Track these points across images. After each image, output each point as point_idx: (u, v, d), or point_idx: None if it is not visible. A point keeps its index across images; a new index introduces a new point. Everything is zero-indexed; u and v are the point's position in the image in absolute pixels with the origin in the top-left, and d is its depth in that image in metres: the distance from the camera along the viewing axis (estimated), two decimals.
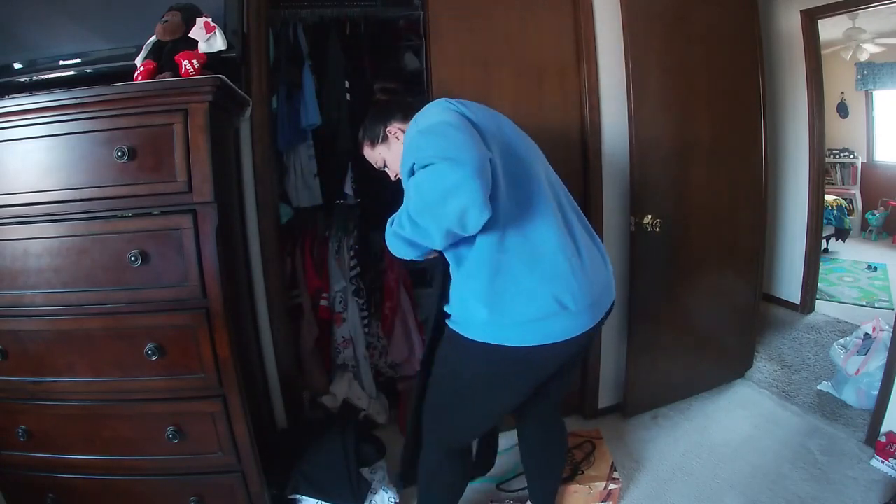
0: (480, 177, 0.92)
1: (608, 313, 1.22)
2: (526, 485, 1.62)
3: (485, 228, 1.00)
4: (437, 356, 1.27)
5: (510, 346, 1.09)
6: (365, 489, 1.66)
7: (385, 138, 1.29)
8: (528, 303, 1.08)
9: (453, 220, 0.94)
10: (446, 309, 1.20)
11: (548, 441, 1.50)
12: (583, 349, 1.25)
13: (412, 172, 1.02)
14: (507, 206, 1.07)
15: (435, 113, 1.09)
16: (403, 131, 1.25)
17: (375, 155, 1.33)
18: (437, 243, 1.02)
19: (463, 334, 1.14)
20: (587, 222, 1.25)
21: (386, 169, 1.34)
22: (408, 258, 1.13)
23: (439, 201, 0.94)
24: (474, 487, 1.78)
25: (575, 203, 1.26)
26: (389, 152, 1.30)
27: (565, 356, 1.18)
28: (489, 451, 1.59)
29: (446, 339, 1.23)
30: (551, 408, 1.46)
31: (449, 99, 1.15)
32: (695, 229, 2.09)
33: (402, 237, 1.06)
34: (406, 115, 1.26)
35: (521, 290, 1.08)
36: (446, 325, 1.21)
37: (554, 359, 1.16)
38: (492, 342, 1.10)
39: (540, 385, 1.22)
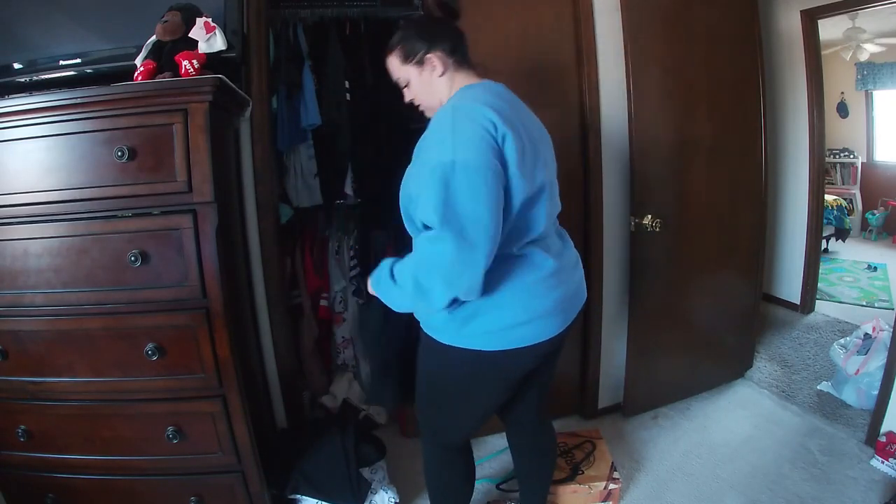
0: (488, 259, 0.98)
1: (578, 314, 1.25)
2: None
3: None
4: (418, 360, 1.28)
5: (481, 351, 1.11)
6: (365, 489, 1.66)
7: (421, 63, 1.16)
8: (501, 312, 1.10)
9: (448, 294, 1.01)
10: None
11: (535, 448, 1.50)
12: (555, 351, 1.26)
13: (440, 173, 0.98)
14: (511, 231, 1.08)
15: (470, 136, 0.99)
16: (445, 65, 1.15)
17: (401, 71, 1.19)
18: (438, 306, 1.05)
19: (436, 338, 1.16)
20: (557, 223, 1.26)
21: (405, 89, 1.22)
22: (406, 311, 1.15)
23: (436, 276, 0.99)
24: (475, 488, 1.78)
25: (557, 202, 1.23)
26: (419, 79, 1.18)
27: (536, 358, 1.18)
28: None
29: (422, 345, 1.24)
30: (535, 413, 1.45)
31: (487, 103, 1.03)
32: (695, 229, 2.09)
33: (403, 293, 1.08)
34: (454, 48, 1.16)
35: (494, 299, 1.09)
36: (421, 329, 1.22)
37: (524, 362, 1.17)
38: (464, 346, 1.12)
39: (514, 388, 1.24)
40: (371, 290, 1.20)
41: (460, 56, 1.18)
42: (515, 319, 1.10)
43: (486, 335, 1.10)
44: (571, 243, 1.28)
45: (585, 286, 1.28)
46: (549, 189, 1.15)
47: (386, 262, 1.14)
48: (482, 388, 1.22)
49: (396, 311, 1.14)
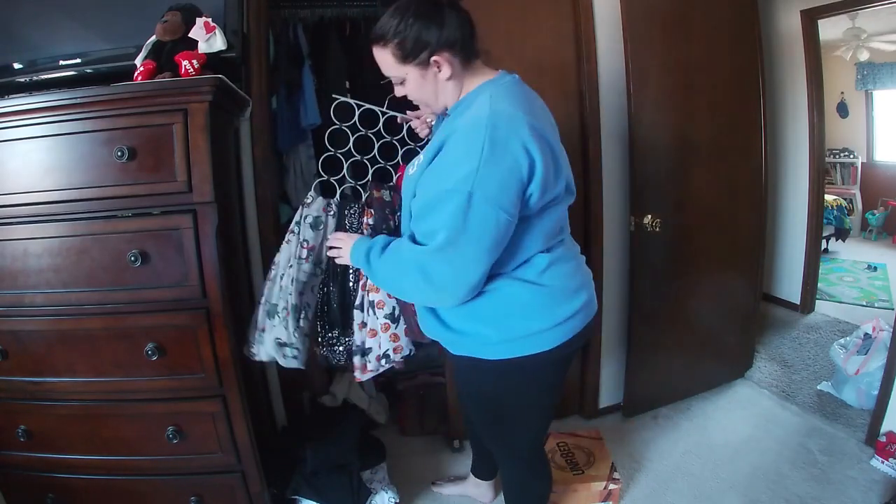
0: (470, 292, 1.00)
1: None
2: None
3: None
4: (461, 388, 1.31)
5: (544, 351, 1.09)
6: (365, 496, 1.65)
7: (424, 64, 1.00)
8: (565, 304, 1.10)
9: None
10: (444, 335, 1.14)
11: None
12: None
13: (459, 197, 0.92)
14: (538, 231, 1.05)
15: (499, 168, 0.92)
16: (452, 66, 1.01)
17: (396, 70, 1.03)
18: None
19: (484, 357, 1.11)
20: None
21: (399, 86, 1.07)
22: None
23: (423, 283, 0.99)
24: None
25: None
26: (420, 81, 1.03)
27: (583, 342, 1.19)
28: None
29: (462, 369, 1.23)
30: None
31: (524, 120, 0.95)
32: (695, 229, 2.09)
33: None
34: (463, 43, 1.00)
35: (560, 293, 1.10)
36: (449, 353, 1.18)
37: (576, 348, 1.18)
38: (531, 352, 1.08)
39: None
40: (350, 260, 1.15)
41: (469, 50, 1.02)
42: (570, 310, 1.09)
43: (541, 335, 1.08)
44: None
45: None
46: (573, 182, 1.12)
47: (379, 240, 1.10)
48: (546, 390, 1.20)
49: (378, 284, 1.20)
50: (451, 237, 0.93)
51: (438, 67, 1.01)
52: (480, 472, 1.70)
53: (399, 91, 1.09)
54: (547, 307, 1.08)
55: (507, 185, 0.93)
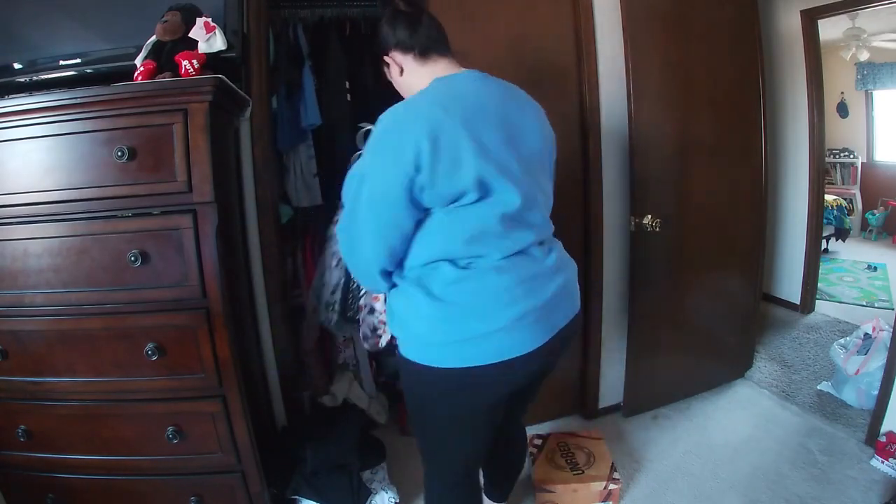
0: (371, 271, 1.05)
1: (569, 327, 1.11)
2: None
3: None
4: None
5: (444, 368, 1.01)
6: (365, 496, 1.66)
7: (385, 62, 1.15)
8: (465, 323, 1.00)
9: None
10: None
11: (507, 449, 1.46)
12: (543, 369, 1.16)
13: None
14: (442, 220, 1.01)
15: (387, 152, 0.96)
16: (401, 63, 1.12)
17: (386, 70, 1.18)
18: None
19: (401, 353, 1.10)
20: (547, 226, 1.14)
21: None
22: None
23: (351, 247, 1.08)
24: None
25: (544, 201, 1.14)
26: (390, 78, 1.17)
27: (512, 381, 1.07)
28: (502, 476, 1.54)
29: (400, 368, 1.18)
30: (514, 421, 1.41)
31: (426, 111, 0.96)
32: (695, 229, 2.09)
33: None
34: (412, 43, 1.09)
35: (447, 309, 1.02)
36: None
37: (497, 381, 1.05)
38: (423, 363, 1.03)
39: (498, 411, 1.14)
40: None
41: (424, 48, 1.09)
42: (472, 331, 0.99)
43: (444, 347, 1.00)
44: (556, 246, 1.15)
45: (575, 294, 1.15)
46: (499, 185, 0.99)
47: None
48: (458, 413, 1.10)
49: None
50: (348, 216, 1.05)
51: (390, 65, 1.15)
52: (493, 493, 1.57)
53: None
54: (445, 322, 1.00)
55: (390, 173, 0.96)
